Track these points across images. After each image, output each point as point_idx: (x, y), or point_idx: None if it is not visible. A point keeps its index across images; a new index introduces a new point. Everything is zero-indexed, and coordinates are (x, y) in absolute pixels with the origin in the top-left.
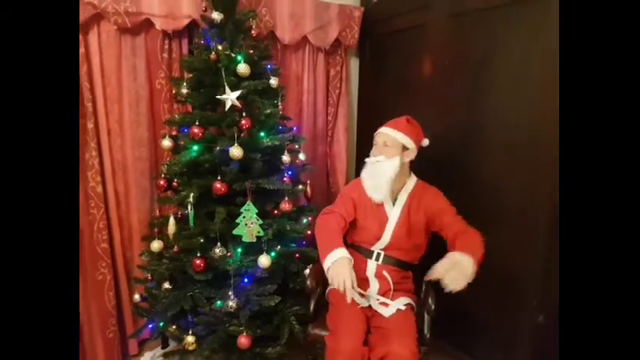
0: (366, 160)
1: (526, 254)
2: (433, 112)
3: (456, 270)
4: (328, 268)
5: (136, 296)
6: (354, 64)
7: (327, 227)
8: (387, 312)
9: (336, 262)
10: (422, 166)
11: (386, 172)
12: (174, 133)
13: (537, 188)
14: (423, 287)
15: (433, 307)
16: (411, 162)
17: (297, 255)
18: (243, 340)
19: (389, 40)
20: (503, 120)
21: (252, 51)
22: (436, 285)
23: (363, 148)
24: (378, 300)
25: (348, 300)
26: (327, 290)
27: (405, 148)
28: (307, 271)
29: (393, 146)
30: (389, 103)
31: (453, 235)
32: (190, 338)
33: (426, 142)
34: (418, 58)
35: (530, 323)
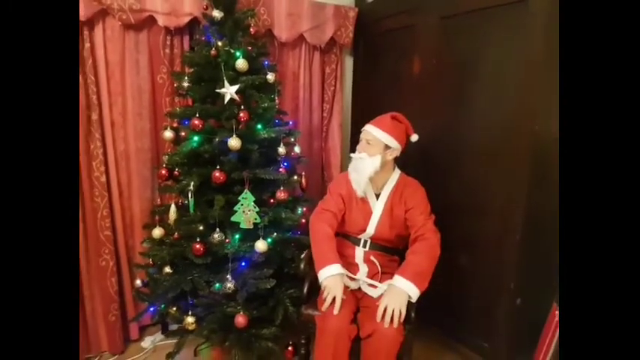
0: (351, 155)
1: (504, 243)
2: (422, 109)
3: (391, 294)
4: (323, 279)
5: (138, 281)
6: (349, 62)
7: (322, 234)
8: (375, 293)
9: (331, 278)
10: (410, 160)
11: (365, 170)
12: (175, 125)
13: (514, 184)
14: None
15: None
16: (398, 156)
17: (293, 243)
18: (240, 320)
19: (382, 40)
20: (486, 118)
21: (250, 48)
22: None
23: (357, 143)
24: (366, 282)
25: (335, 311)
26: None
27: (387, 147)
28: (304, 254)
29: (375, 145)
30: (382, 100)
31: (414, 238)
32: (190, 319)
33: (415, 137)
34: (409, 58)
35: (508, 306)
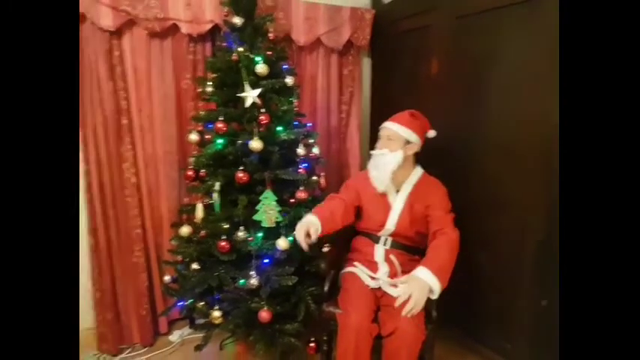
0: (371, 152)
1: (525, 242)
2: (440, 109)
3: (413, 284)
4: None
5: (166, 277)
6: (366, 63)
7: (322, 205)
8: (395, 292)
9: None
10: (429, 159)
11: (388, 165)
12: (199, 128)
13: (534, 181)
14: None
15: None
16: (417, 154)
17: None
18: (264, 315)
19: (399, 41)
20: (504, 118)
21: (270, 52)
22: None
23: (375, 144)
24: (387, 282)
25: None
26: (340, 273)
27: (407, 142)
28: (325, 250)
29: (396, 140)
30: (399, 101)
31: (433, 234)
32: (217, 313)
33: (432, 133)
34: (426, 58)
35: (532, 307)
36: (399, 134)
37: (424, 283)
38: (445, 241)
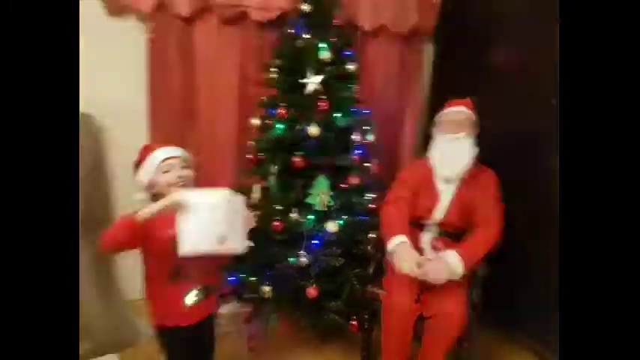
0: (439, 135)
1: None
2: (503, 104)
3: (435, 266)
4: (392, 252)
5: None
6: (429, 51)
7: (391, 215)
8: None
9: (400, 246)
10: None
11: (468, 151)
12: (262, 113)
13: None
14: None
15: (482, 274)
16: None
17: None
18: (312, 291)
19: (464, 28)
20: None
21: (335, 39)
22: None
23: (430, 134)
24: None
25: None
26: (386, 257)
27: (473, 127)
28: (372, 235)
29: (467, 125)
30: (461, 92)
31: (477, 223)
32: (267, 288)
33: None
34: (493, 47)
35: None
36: (472, 119)
37: (447, 266)
38: (483, 233)
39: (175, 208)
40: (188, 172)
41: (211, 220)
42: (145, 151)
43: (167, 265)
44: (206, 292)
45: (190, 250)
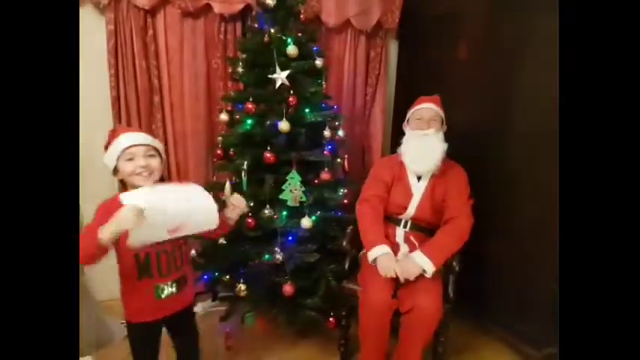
0: (409, 132)
1: (544, 228)
2: (468, 96)
3: (405, 264)
4: (375, 259)
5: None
6: (394, 47)
7: (369, 217)
8: None
9: (382, 257)
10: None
11: (436, 149)
12: (229, 108)
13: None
14: None
15: (457, 268)
16: None
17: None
18: (288, 288)
19: (428, 25)
20: (526, 111)
21: (300, 34)
22: (461, 251)
23: (399, 129)
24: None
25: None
26: (360, 253)
27: (442, 124)
28: (347, 231)
29: (437, 121)
30: (426, 86)
31: (447, 219)
32: (242, 286)
33: None
34: (455, 43)
35: (547, 291)
36: (440, 115)
37: (415, 265)
38: (452, 228)
39: (132, 221)
40: (153, 162)
41: (164, 209)
42: (112, 135)
43: (133, 262)
44: (178, 286)
45: (138, 242)
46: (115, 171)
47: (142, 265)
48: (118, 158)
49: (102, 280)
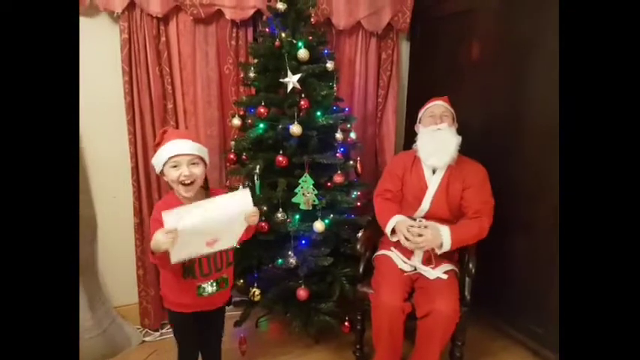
0: (422, 129)
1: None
2: (481, 94)
3: (429, 230)
4: (393, 231)
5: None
6: (405, 47)
7: (380, 206)
8: (431, 274)
9: (400, 223)
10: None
11: (452, 140)
12: (241, 112)
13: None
14: (466, 255)
15: (474, 270)
16: None
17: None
18: (302, 293)
19: (439, 25)
20: (545, 104)
21: (311, 37)
22: (478, 252)
23: (412, 130)
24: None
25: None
26: (373, 255)
27: (454, 120)
28: (359, 234)
29: (449, 116)
30: (438, 85)
31: (466, 216)
32: (256, 290)
33: None
34: (467, 42)
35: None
36: (451, 111)
37: (439, 237)
38: (475, 223)
39: (168, 243)
40: (197, 170)
41: (198, 229)
42: (162, 136)
43: (179, 264)
44: (218, 286)
45: (178, 259)
46: (162, 173)
47: (187, 267)
48: (164, 164)
49: (117, 285)
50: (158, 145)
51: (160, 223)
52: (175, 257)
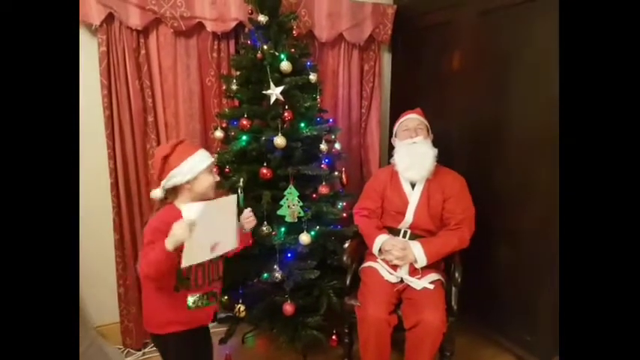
0: (398, 143)
1: (547, 235)
2: (463, 104)
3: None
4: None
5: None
6: (387, 59)
7: (367, 224)
8: (417, 285)
9: (385, 243)
10: (451, 152)
11: (428, 153)
12: (224, 125)
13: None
14: (452, 264)
15: (460, 279)
16: None
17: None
18: (288, 307)
19: (420, 36)
20: (527, 113)
21: (293, 49)
22: (464, 261)
23: (396, 137)
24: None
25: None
26: (360, 267)
27: (428, 132)
28: (346, 245)
29: (423, 129)
30: (420, 96)
31: (447, 227)
32: (241, 307)
33: None
34: (448, 54)
35: (553, 300)
36: (425, 123)
37: (412, 255)
38: (454, 235)
39: (186, 233)
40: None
41: (203, 232)
42: (182, 150)
43: (174, 275)
44: (207, 299)
45: (189, 262)
46: (168, 189)
47: (182, 277)
48: (202, 171)
49: (97, 304)
50: (168, 156)
51: (164, 234)
52: (187, 260)
